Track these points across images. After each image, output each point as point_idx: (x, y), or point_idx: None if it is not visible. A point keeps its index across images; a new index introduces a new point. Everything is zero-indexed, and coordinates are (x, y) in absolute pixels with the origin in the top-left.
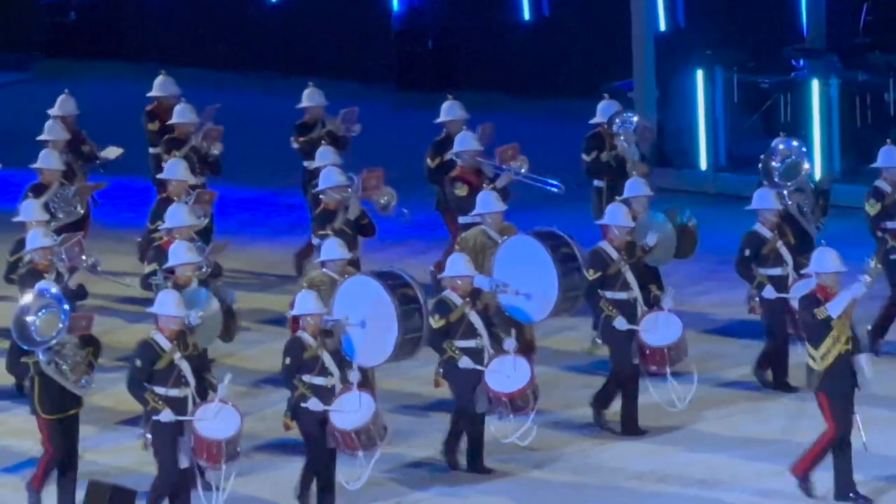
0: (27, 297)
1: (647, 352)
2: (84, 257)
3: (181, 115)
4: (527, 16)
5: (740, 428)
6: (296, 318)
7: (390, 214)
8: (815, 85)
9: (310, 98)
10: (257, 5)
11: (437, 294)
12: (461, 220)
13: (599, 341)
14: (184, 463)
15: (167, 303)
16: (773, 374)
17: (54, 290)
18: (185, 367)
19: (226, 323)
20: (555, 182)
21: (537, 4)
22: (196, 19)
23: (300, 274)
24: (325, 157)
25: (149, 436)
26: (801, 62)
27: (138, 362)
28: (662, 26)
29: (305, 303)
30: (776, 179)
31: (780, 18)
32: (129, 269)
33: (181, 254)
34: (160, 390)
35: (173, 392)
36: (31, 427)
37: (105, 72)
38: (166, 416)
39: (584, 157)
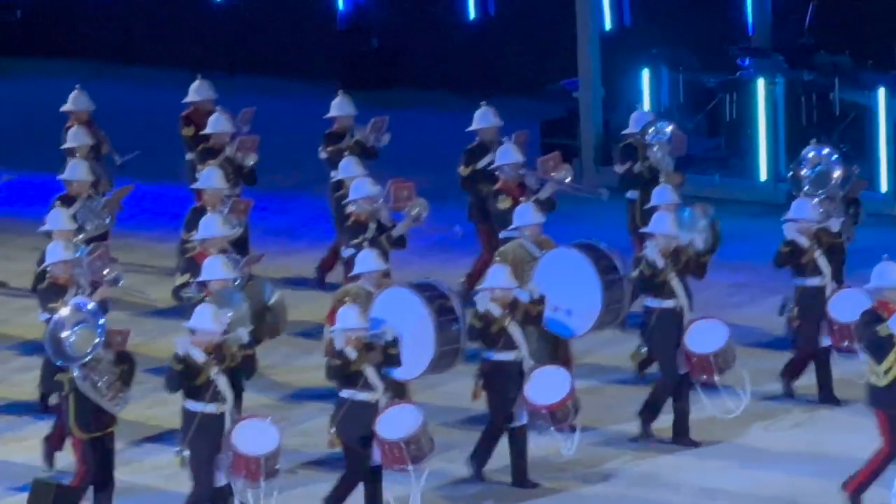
0: (63, 312)
1: (694, 360)
2: (106, 271)
3: (216, 124)
4: (472, 14)
5: (788, 442)
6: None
7: (422, 225)
8: (761, 84)
9: (339, 107)
10: (203, 4)
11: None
12: (502, 233)
13: (644, 350)
14: (220, 480)
15: (205, 317)
16: (818, 388)
17: (91, 305)
18: (222, 383)
19: (265, 320)
20: (601, 190)
21: (482, 3)
22: (142, 18)
23: (322, 285)
24: (349, 168)
25: (186, 452)
26: (747, 61)
27: (173, 377)
28: (608, 25)
29: (348, 318)
30: (806, 188)
31: (726, 18)
32: (152, 280)
33: (216, 269)
34: (197, 406)
35: (210, 408)
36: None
37: (51, 70)
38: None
39: (617, 168)
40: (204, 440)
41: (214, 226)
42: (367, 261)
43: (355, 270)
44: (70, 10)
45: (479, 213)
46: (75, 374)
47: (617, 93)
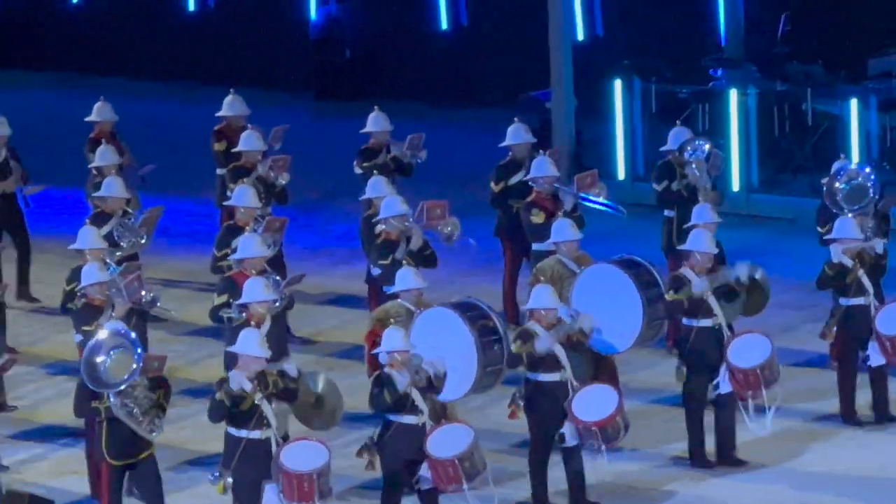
0: (100, 335)
1: (740, 376)
2: (144, 293)
3: (248, 142)
4: (445, 25)
5: (837, 462)
6: (373, 349)
7: (453, 244)
8: (734, 94)
9: (375, 123)
10: (176, 14)
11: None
12: (535, 247)
13: (684, 369)
14: None
15: (250, 342)
16: (873, 406)
17: (129, 331)
18: (267, 408)
19: (322, 407)
20: (620, 208)
21: (455, 14)
22: (116, 28)
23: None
24: (377, 188)
25: (230, 479)
26: (720, 72)
27: (219, 396)
28: (580, 35)
29: (393, 339)
30: (839, 201)
31: (699, 28)
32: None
33: (257, 291)
34: (241, 432)
35: (255, 434)
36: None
37: (23, 81)
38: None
39: (655, 186)
40: (249, 466)
41: (254, 245)
42: (407, 279)
43: (395, 288)
44: (44, 22)
45: (507, 230)
46: (111, 401)
47: (589, 103)
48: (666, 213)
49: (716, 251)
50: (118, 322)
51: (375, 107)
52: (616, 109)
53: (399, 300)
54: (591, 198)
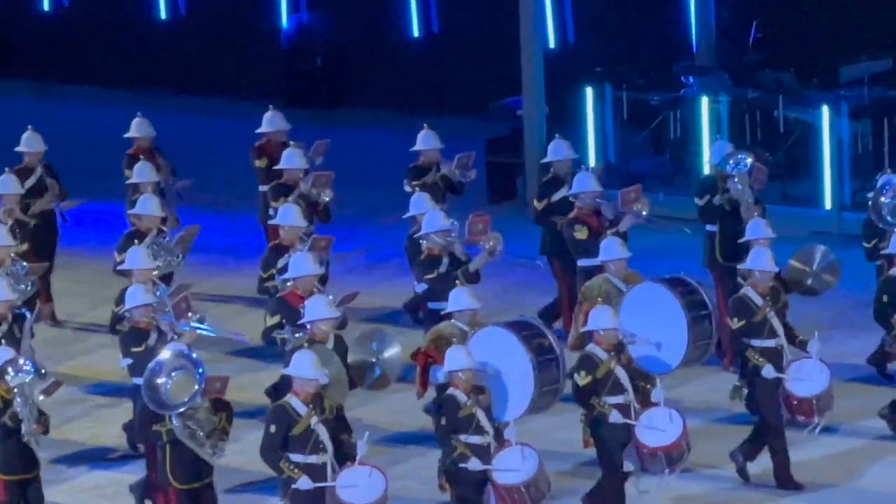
0: (162, 356)
1: (795, 402)
2: (191, 314)
3: (290, 160)
4: (416, 32)
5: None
6: (424, 371)
7: (496, 259)
8: (705, 102)
9: (424, 141)
10: (147, 22)
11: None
12: (580, 263)
13: (745, 391)
14: None
15: (304, 364)
16: None
17: (191, 352)
18: (323, 433)
19: (374, 371)
20: (684, 228)
21: (427, 21)
22: (86, 37)
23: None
24: (420, 204)
25: None
26: (691, 79)
27: (273, 428)
28: (552, 43)
29: (457, 359)
30: (885, 215)
31: (670, 36)
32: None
33: (321, 309)
34: (297, 458)
35: (311, 459)
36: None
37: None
38: (304, 483)
39: (697, 200)
40: (306, 493)
41: (305, 264)
42: (461, 299)
43: (449, 308)
44: (13, 30)
45: (553, 248)
46: (174, 424)
47: (561, 111)
48: (708, 227)
49: (776, 269)
50: (179, 343)
51: (425, 125)
52: (587, 117)
53: (452, 320)
54: (644, 216)
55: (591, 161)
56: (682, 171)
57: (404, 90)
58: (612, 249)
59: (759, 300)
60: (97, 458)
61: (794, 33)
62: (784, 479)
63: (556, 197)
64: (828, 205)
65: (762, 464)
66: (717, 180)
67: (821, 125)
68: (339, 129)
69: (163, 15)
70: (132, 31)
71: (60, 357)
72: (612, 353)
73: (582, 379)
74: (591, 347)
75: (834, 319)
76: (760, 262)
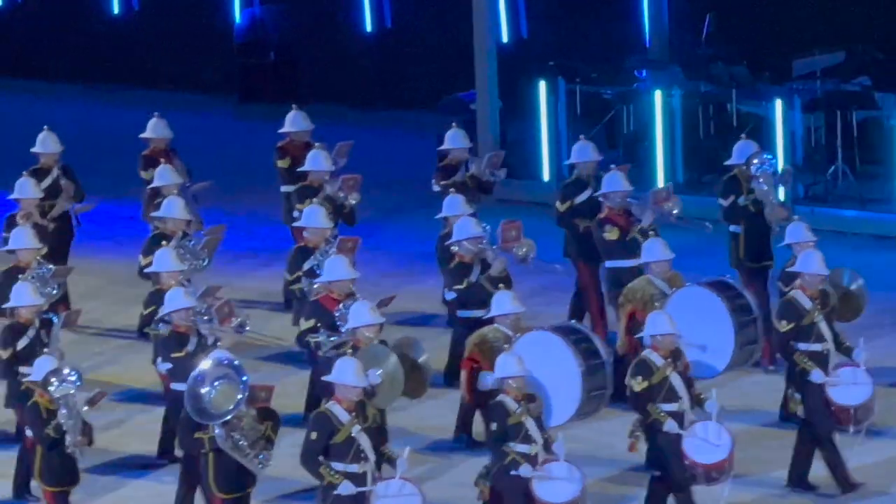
0: (203, 365)
1: (833, 409)
2: (233, 318)
3: (315, 162)
4: (369, 27)
5: None
6: (470, 376)
7: (529, 264)
8: (658, 96)
9: (452, 139)
10: (100, 17)
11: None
12: (609, 265)
13: (798, 396)
14: None
15: (347, 371)
16: None
17: (234, 360)
18: (365, 441)
19: (413, 379)
20: (707, 224)
21: (380, 16)
22: (38, 31)
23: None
24: (454, 206)
25: None
26: (644, 73)
27: (314, 435)
28: (505, 37)
29: (508, 365)
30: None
31: (623, 30)
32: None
33: (365, 314)
34: (338, 466)
35: (352, 468)
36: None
37: None
38: (346, 488)
39: (721, 201)
40: (346, 502)
41: (342, 268)
42: (505, 303)
43: (492, 313)
44: None
45: (576, 251)
46: (216, 433)
47: (514, 104)
48: (732, 228)
49: (827, 272)
50: (223, 351)
51: (454, 123)
52: (540, 110)
53: (496, 325)
54: (674, 215)
55: (544, 157)
56: (635, 164)
57: (357, 84)
58: (655, 250)
59: (807, 303)
60: (129, 466)
61: (747, 27)
62: (843, 482)
63: (580, 199)
64: (780, 198)
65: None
66: (742, 181)
67: (774, 119)
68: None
69: (115, 10)
70: (85, 25)
71: (80, 363)
72: (669, 360)
73: (638, 384)
74: (647, 353)
75: (879, 321)
76: (811, 264)
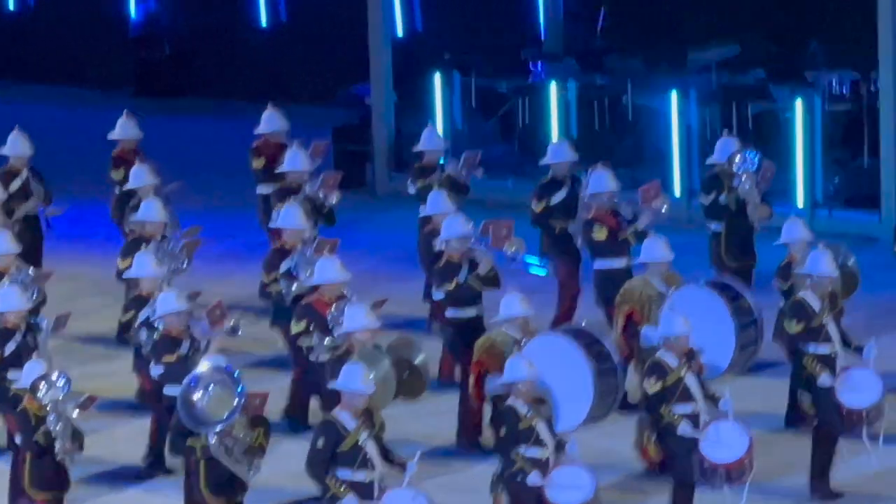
0: (199, 370)
1: (844, 412)
2: (226, 321)
3: (294, 161)
4: (264, 21)
5: None
6: (479, 380)
7: (518, 263)
8: (553, 89)
9: (429, 140)
10: None
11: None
12: (597, 265)
13: (809, 397)
14: None
15: (354, 377)
16: None
17: (230, 365)
18: (371, 449)
19: (410, 381)
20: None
21: (275, 10)
22: None
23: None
24: (438, 204)
25: None
26: (539, 66)
27: (320, 443)
28: (400, 31)
29: (518, 369)
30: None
31: (518, 23)
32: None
33: (361, 318)
34: (344, 474)
35: (359, 476)
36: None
37: None
38: (350, 502)
39: (702, 199)
40: None
41: (333, 270)
42: (513, 306)
43: (500, 316)
44: None
45: (553, 250)
46: (209, 441)
47: (409, 98)
48: (713, 227)
49: (837, 273)
50: (218, 355)
51: (430, 123)
52: (436, 104)
53: (503, 328)
54: (664, 213)
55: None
56: (530, 158)
57: (252, 79)
58: (655, 250)
59: (817, 304)
60: (118, 476)
61: (642, 19)
62: (819, 489)
63: (556, 199)
64: (677, 192)
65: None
66: (723, 178)
67: (669, 111)
68: (185, 117)
69: (11, 6)
70: None
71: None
72: (684, 360)
73: (652, 386)
74: (661, 354)
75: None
76: (821, 266)
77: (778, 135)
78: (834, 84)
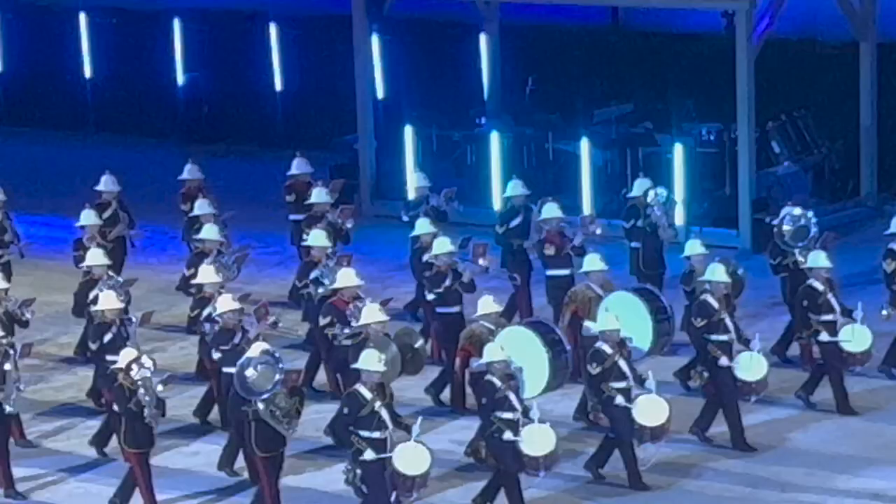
0: (251, 352)
1: (739, 384)
2: (269, 317)
3: (319, 196)
4: (278, 86)
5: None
6: (465, 361)
7: (489, 273)
8: (494, 137)
9: (418, 180)
10: None
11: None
12: (549, 273)
13: (707, 374)
14: (391, 496)
15: (370, 360)
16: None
17: (275, 350)
18: (385, 413)
19: (413, 361)
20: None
21: (286, 78)
22: None
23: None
24: (424, 227)
25: (359, 471)
26: (483, 120)
27: (346, 410)
28: (380, 94)
29: (493, 353)
30: (787, 240)
31: (467, 88)
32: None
33: (375, 313)
34: (365, 433)
35: (375, 434)
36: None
37: None
38: (370, 454)
39: (624, 224)
40: (374, 462)
41: (351, 277)
42: (488, 305)
43: (478, 313)
44: None
45: (511, 264)
46: (259, 407)
47: (387, 144)
48: (633, 244)
49: (729, 280)
50: (265, 344)
51: (417, 168)
52: (406, 149)
53: (480, 322)
54: (599, 234)
55: (410, 184)
56: (477, 189)
57: (268, 129)
58: (594, 263)
59: (715, 304)
60: (195, 432)
61: (560, 85)
62: (740, 444)
63: (514, 223)
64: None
65: (719, 429)
66: (640, 208)
67: (581, 154)
68: (214, 159)
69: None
70: None
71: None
72: (616, 348)
73: (594, 369)
74: (599, 344)
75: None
76: (716, 275)
77: (662, 171)
78: (704, 133)
